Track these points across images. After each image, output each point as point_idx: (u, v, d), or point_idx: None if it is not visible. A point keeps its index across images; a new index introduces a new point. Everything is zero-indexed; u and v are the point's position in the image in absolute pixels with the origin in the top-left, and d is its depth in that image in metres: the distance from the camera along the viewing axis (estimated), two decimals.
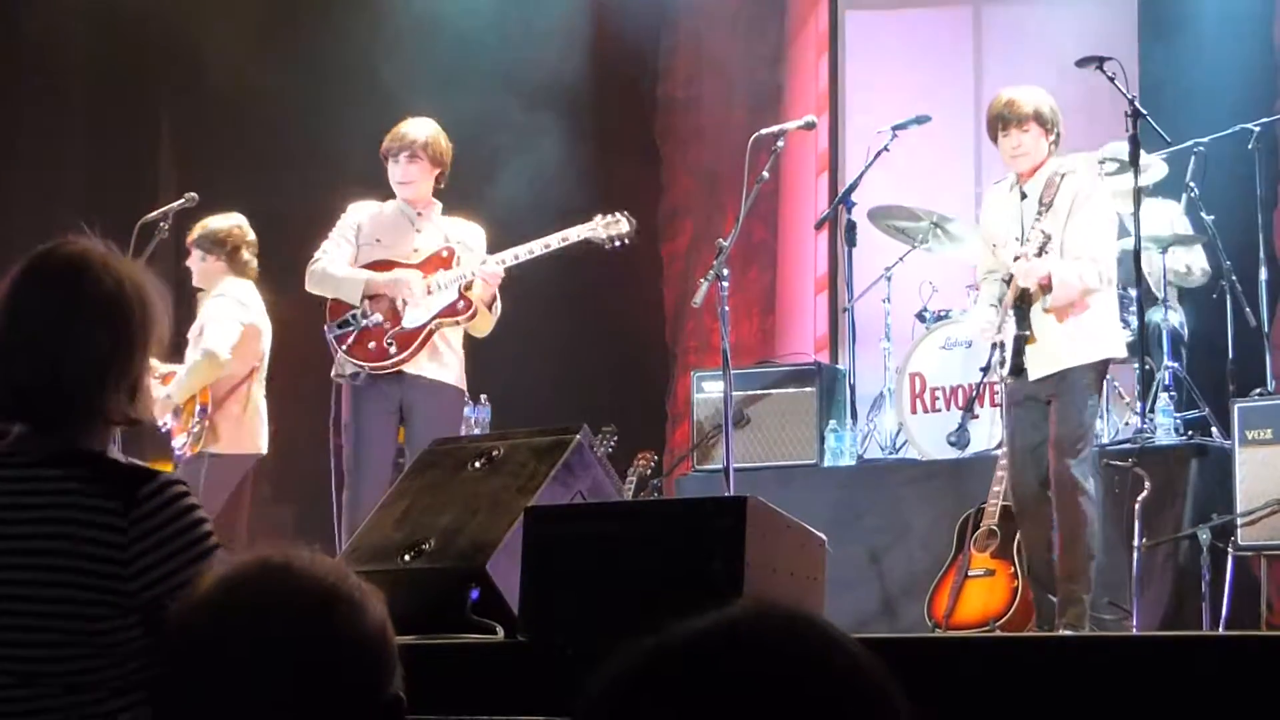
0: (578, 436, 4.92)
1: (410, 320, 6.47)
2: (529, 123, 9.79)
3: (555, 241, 6.49)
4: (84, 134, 10.37)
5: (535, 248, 6.48)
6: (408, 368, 6.48)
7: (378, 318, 6.47)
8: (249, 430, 7.28)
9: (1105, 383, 6.62)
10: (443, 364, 6.53)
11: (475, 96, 9.22)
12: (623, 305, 10.93)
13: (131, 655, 2.50)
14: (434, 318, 6.47)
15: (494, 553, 4.51)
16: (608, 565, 3.93)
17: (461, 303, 6.49)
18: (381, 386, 6.49)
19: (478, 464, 5.02)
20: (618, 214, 6.51)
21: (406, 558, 4.71)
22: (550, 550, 4.17)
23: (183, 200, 7.37)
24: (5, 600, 2.49)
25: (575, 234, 6.49)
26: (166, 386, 7.12)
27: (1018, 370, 6.18)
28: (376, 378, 6.48)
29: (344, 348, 6.50)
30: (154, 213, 7.26)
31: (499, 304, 6.62)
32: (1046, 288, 6.10)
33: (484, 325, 6.61)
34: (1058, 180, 6.21)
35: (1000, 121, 6.27)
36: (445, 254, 6.57)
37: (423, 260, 6.57)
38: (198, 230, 7.39)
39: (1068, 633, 5.82)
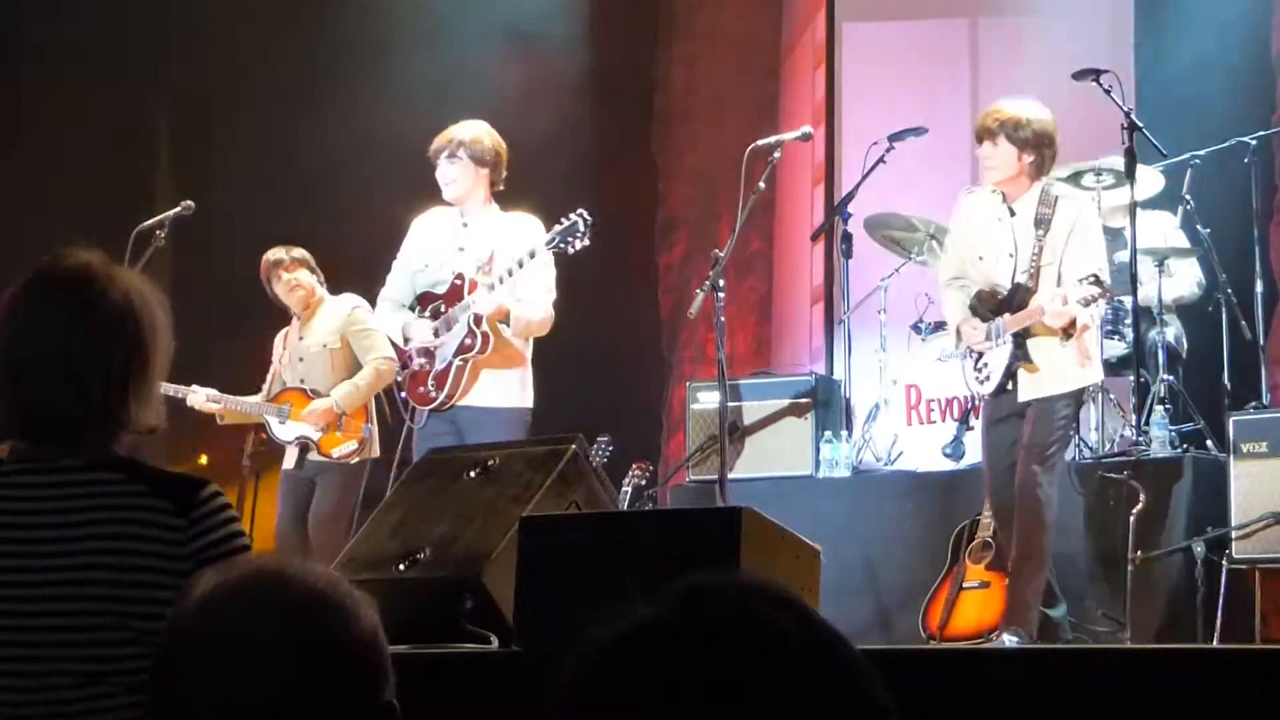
0: (573, 446, 4.92)
1: (440, 360, 6.49)
2: (526, 132, 9.80)
3: (526, 259, 6.37)
4: (81, 140, 10.36)
5: (512, 268, 6.38)
6: (455, 402, 6.49)
7: (421, 360, 6.54)
8: (378, 436, 7.83)
9: (1088, 401, 6.68)
10: (489, 387, 6.49)
11: (474, 105, 9.23)
12: (618, 315, 10.94)
13: None
14: (454, 355, 6.45)
15: (489, 562, 4.51)
16: (603, 575, 3.93)
17: (469, 338, 6.42)
18: (439, 423, 6.51)
19: (473, 473, 5.02)
20: (571, 215, 6.33)
21: (401, 567, 4.71)
22: (545, 560, 4.17)
23: (179, 208, 7.39)
24: (73, 600, 2.53)
25: (540, 249, 6.35)
26: (318, 401, 7.61)
27: (1001, 390, 6.20)
28: (433, 415, 6.52)
29: (406, 391, 6.63)
30: (150, 221, 7.27)
31: (539, 304, 6.48)
32: (1068, 330, 6.11)
33: (535, 330, 6.53)
34: (1052, 201, 6.19)
35: (976, 132, 6.28)
36: (459, 283, 6.50)
37: (446, 291, 6.54)
38: (302, 255, 7.86)
39: (1061, 645, 5.83)
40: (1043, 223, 6.16)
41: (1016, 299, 6.24)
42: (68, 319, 2.64)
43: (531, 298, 6.47)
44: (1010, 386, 6.19)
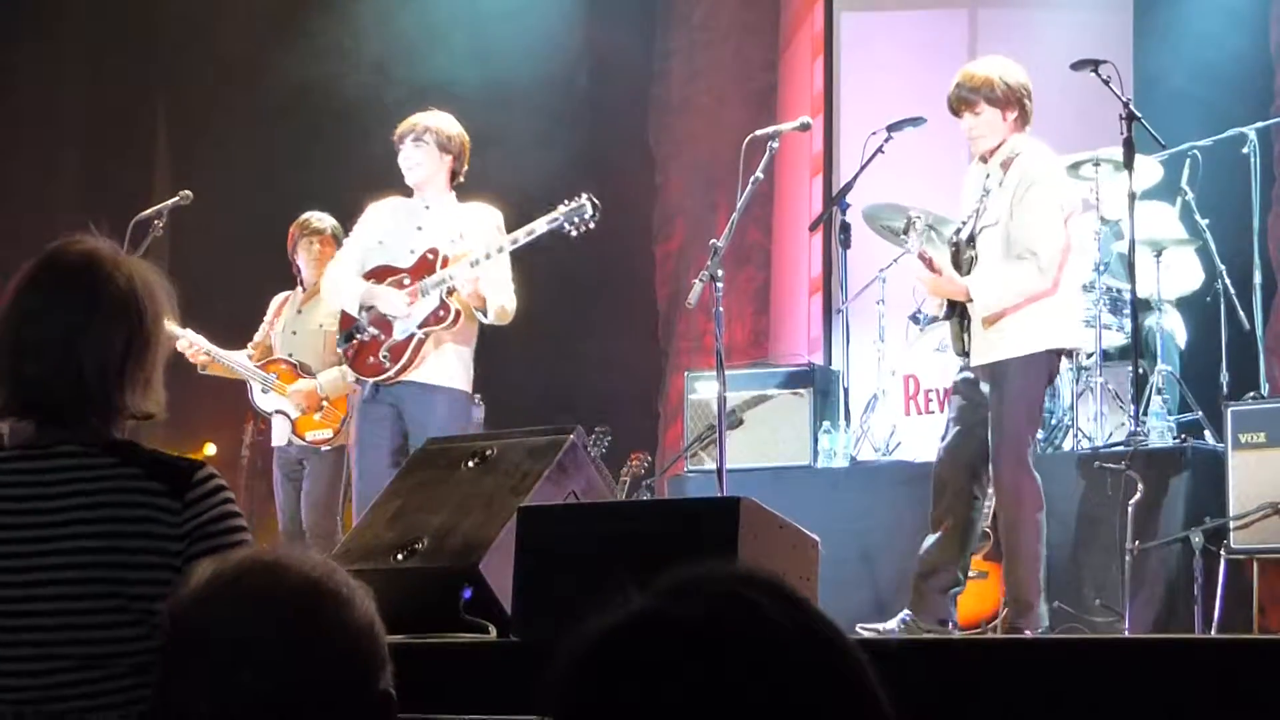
0: (571, 437, 4.92)
1: (399, 331, 6.47)
2: (524, 124, 9.79)
3: (522, 236, 6.42)
4: (80, 130, 10.36)
5: (504, 244, 6.43)
6: (403, 376, 6.48)
7: (374, 330, 6.51)
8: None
9: (1073, 380, 6.56)
10: (438, 367, 6.49)
11: (472, 97, 9.22)
12: (616, 305, 10.95)
13: None
14: (419, 326, 6.45)
15: (487, 552, 4.51)
16: (601, 566, 3.93)
17: (442, 310, 6.44)
18: (383, 397, 6.52)
19: (471, 464, 5.02)
20: (579, 197, 6.43)
21: (399, 557, 4.71)
22: (543, 550, 4.16)
23: (177, 198, 7.39)
24: (72, 584, 2.55)
25: (541, 225, 6.42)
26: (304, 381, 7.54)
27: (961, 351, 6.14)
28: (378, 388, 6.52)
29: (350, 362, 6.63)
30: (149, 210, 7.27)
31: (508, 292, 6.53)
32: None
33: (505, 319, 6.53)
34: (1013, 159, 6.04)
35: (952, 105, 6.16)
36: (431, 256, 6.51)
37: (413, 265, 6.54)
38: (329, 226, 7.72)
39: (1063, 635, 5.82)
40: (998, 180, 6.05)
41: (958, 261, 6.19)
42: (71, 303, 2.67)
43: (497, 285, 6.49)
44: (966, 349, 6.12)
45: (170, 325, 2.81)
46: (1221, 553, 6.31)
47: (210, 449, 10.34)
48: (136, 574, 2.55)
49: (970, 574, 6.65)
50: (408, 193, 6.72)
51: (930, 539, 6.18)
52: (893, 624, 6.10)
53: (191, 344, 7.52)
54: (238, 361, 7.70)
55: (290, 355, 7.72)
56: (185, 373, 7.45)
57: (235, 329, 8.03)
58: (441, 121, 6.66)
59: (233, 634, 1.75)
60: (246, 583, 1.79)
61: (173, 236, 7.98)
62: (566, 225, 6.40)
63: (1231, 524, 6.33)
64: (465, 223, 6.60)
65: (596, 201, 6.43)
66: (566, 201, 6.43)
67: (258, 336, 7.91)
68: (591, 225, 6.42)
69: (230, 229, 9.80)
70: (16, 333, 2.67)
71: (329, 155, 9.58)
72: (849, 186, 7.95)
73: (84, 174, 10.06)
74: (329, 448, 7.58)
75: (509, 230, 6.61)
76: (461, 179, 6.70)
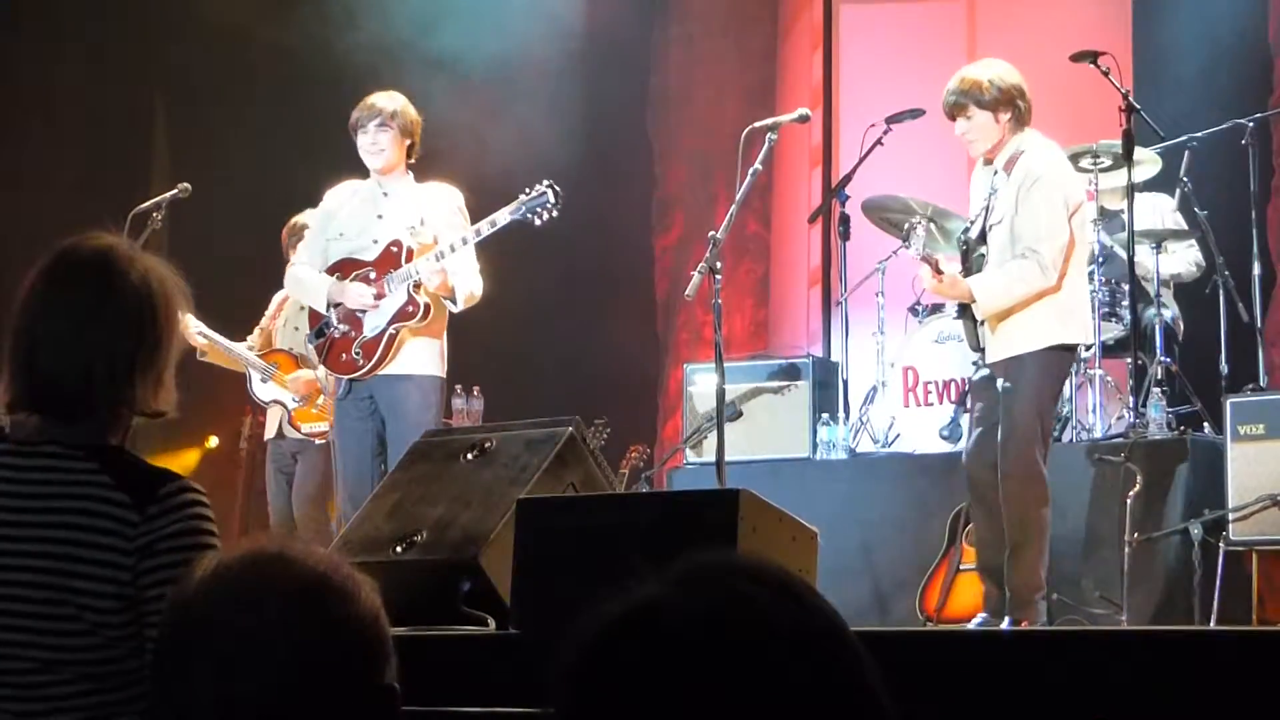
0: (570, 429, 4.92)
1: (370, 328, 6.43)
2: (523, 114, 9.78)
3: (485, 227, 6.36)
4: (79, 122, 10.35)
5: (468, 235, 6.38)
6: (377, 371, 6.45)
7: (344, 327, 6.47)
8: None
9: (1072, 372, 6.56)
10: (409, 357, 6.45)
11: (469, 87, 9.22)
12: (615, 297, 10.94)
13: (141, 649, 2.55)
14: (389, 323, 6.42)
15: (486, 544, 4.52)
16: (600, 558, 3.92)
17: (410, 306, 6.39)
18: (357, 391, 6.49)
19: (470, 456, 5.02)
20: (540, 184, 6.37)
21: (398, 549, 4.71)
22: (542, 542, 4.17)
23: (175, 190, 7.38)
24: (34, 588, 2.55)
25: (504, 216, 6.36)
26: (304, 371, 7.59)
27: (975, 347, 6.15)
28: (351, 383, 6.49)
29: (322, 359, 6.61)
30: (147, 203, 7.26)
31: (474, 278, 6.49)
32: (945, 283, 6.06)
33: (467, 303, 6.47)
34: (1018, 157, 6.04)
35: (945, 110, 6.15)
36: (395, 249, 6.44)
37: (377, 258, 6.48)
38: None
39: (1063, 627, 5.82)
40: (1003, 179, 6.05)
41: (969, 260, 6.19)
42: (83, 298, 2.67)
43: (464, 273, 6.45)
44: (982, 345, 6.14)
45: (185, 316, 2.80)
46: (1220, 544, 6.31)
47: (213, 441, 10.34)
48: (91, 584, 2.54)
49: (969, 566, 6.66)
50: (363, 174, 6.65)
51: (981, 537, 6.20)
52: (973, 626, 6.08)
53: (197, 332, 7.52)
54: (236, 349, 7.71)
55: (291, 349, 7.72)
56: (188, 365, 7.44)
57: (233, 323, 8.03)
58: (403, 104, 6.59)
59: (236, 626, 1.75)
60: (250, 575, 1.79)
61: (171, 229, 7.96)
62: (529, 214, 6.34)
63: (1230, 516, 6.33)
64: (425, 207, 6.53)
65: (558, 189, 6.36)
66: (527, 191, 6.37)
67: (257, 330, 7.92)
68: (555, 213, 6.36)
69: (229, 222, 9.79)
70: (29, 327, 2.67)
71: (328, 146, 9.57)
72: (848, 178, 7.95)
73: (84, 173, 10.04)
74: (323, 441, 7.57)
75: (469, 208, 6.56)
76: (413, 159, 6.62)
